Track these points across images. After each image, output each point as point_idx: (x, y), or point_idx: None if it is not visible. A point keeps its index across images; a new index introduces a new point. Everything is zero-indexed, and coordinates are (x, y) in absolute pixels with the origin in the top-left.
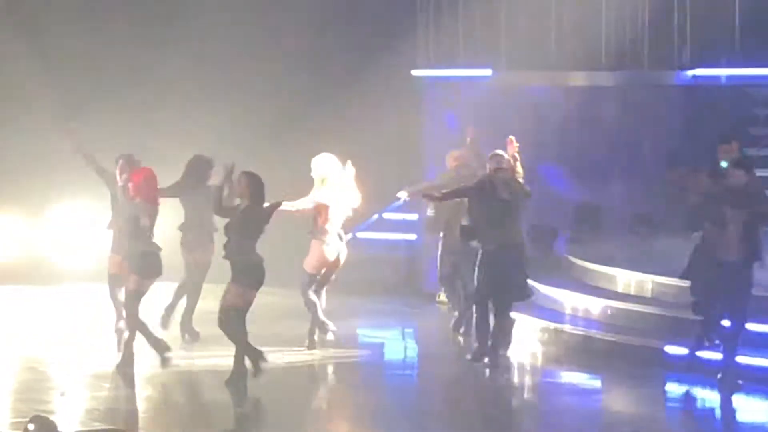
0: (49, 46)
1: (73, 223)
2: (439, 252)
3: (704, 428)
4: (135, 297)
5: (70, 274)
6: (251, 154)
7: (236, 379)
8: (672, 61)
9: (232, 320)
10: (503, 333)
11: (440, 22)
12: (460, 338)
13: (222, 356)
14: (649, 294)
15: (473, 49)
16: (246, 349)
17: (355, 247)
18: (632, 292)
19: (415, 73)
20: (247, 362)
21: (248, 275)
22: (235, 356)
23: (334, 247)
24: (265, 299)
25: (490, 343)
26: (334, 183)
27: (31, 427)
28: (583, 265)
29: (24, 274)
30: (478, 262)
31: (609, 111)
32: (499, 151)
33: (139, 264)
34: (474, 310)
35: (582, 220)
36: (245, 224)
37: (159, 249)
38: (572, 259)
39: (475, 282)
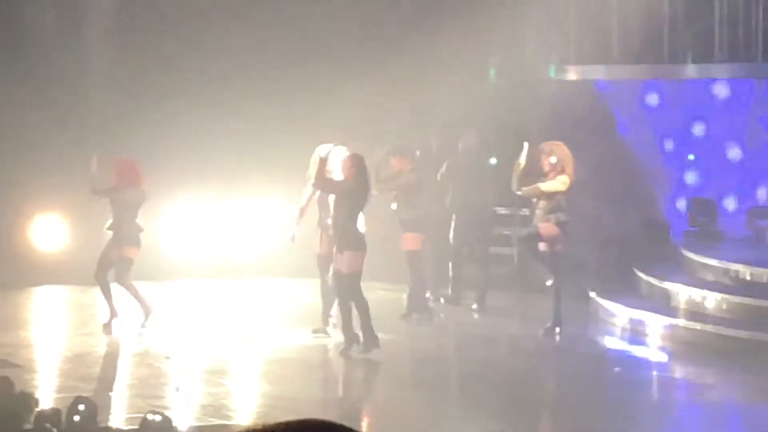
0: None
1: (190, 219)
2: None
3: None
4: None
5: (185, 271)
6: None
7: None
8: None
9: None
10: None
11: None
12: (415, 315)
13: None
14: (764, 287)
15: (543, 45)
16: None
17: None
18: (747, 286)
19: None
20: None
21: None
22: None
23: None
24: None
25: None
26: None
27: (148, 420)
28: (697, 258)
29: (139, 270)
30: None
31: (719, 103)
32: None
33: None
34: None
35: (696, 213)
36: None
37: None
38: (686, 252)
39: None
